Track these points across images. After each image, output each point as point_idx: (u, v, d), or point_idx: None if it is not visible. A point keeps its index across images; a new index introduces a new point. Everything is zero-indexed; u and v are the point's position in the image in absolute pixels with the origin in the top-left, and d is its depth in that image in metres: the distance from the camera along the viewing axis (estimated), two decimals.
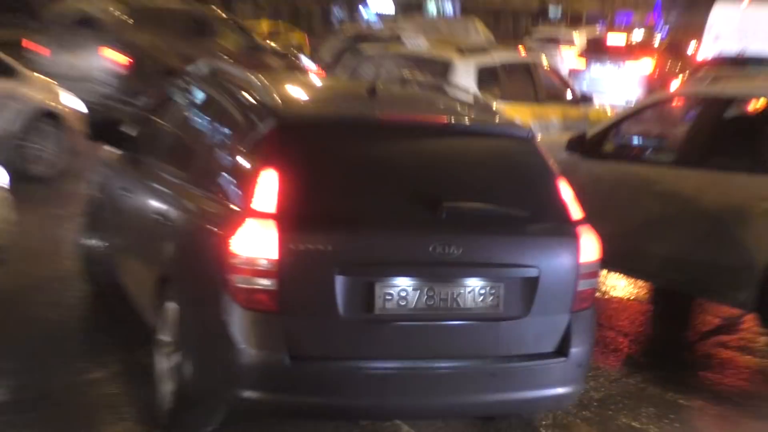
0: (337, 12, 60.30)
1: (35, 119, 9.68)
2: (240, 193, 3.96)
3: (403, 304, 3.83)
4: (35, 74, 10.24)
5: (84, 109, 10.33)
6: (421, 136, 4.32)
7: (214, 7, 18.57)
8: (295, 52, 16.86)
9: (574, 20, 61.38)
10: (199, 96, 5.24)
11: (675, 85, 16.05)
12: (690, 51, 24.55)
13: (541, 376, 4.13)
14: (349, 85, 6.77)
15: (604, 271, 7.21)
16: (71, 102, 10.22)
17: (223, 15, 17.60)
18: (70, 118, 9.93)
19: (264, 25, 24.94)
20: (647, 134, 7.54)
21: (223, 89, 4.90)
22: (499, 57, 10.76)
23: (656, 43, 25.57)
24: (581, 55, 22.75)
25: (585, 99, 11.46)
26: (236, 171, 4.13)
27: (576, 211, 4.22)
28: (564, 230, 4.15)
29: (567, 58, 24.36)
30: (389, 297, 3.81)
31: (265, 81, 4.55)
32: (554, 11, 70.54)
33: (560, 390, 4.18)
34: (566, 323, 4.10)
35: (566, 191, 4.27)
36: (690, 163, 6.21)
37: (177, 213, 4.56)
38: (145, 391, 4.53)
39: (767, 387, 5.51)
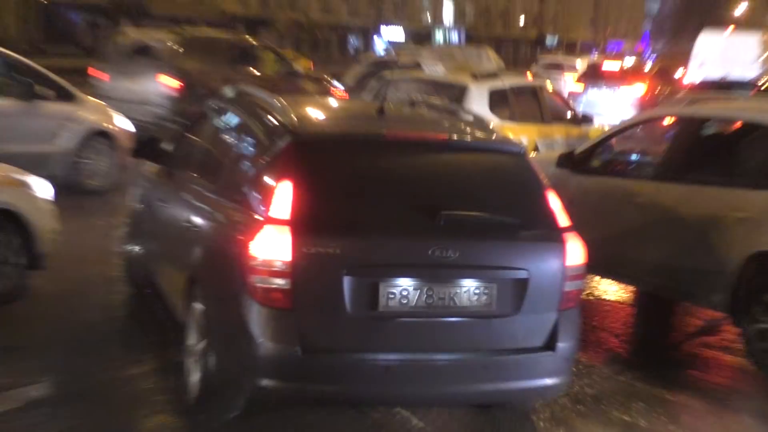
0: (353, 41, 60.48)
1: (90, 138, 9.78)
2: (259, 202, 3.96)
3: (404, 302, 3.83)
4: (91, 98, 10.33)
5: (132, 128, 10.40)
6: (423, 151, 4.32)
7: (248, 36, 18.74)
8: (328, 77, 16.90)
9: (569, 48, 61.37)
10: (226, 116, 5.26)
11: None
12: (678, 76, 24.40)
13: (531, 368, 4.11)
14: (360, 105, 6.79)
15: (597, 277, 7.22)
16: (122, 122, 10.31)
17: (264, 44, 17.75)
18: (120, 137, 10.01)
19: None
20: (631, 151, 7.49)
21: (246, 110, 4.93)
22: (508, 81, 10.74)
23: (647, 68, 25.37)
24: (579, 80, 22.64)
25: (585, 119, 11.43)
26: (256, 182, 4.13)
27: (563, 219, 4.20)
28: (552, 236, 4.13)
29: (568, 82, 24.25)
30: (392, 296, 3.81)
31: (284, 102, 4.56)
32: (551, 40, 70.56)
33: (548, 381, 4.16)
34: (554, 321, 4.08)
35: (554, 201, 4.25)
36: (669, 177, 6.18)
37: (204, 220, 4.58)
38: (177, 385, 4.52)
39: (747, 384, 5.45)
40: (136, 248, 6.06)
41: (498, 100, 10.25)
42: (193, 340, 4.39)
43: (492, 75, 10.77)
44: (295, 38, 51.34)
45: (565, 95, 15.96)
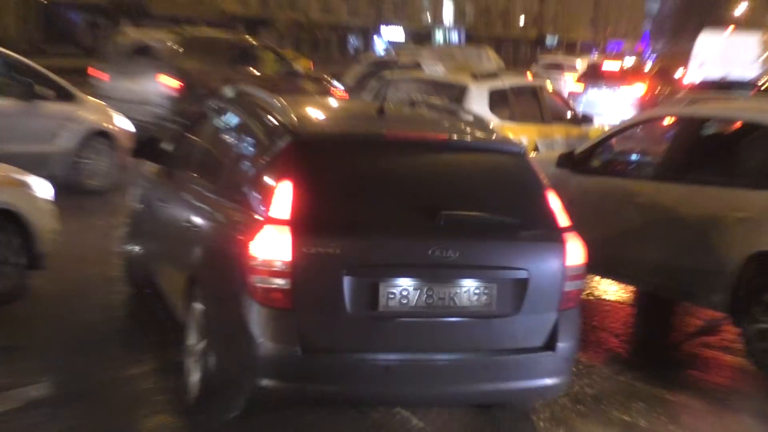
0: (353, 41, 60.51)
1: (90, 138, 9.80)
2: (259, 202, 3.97)
3: (404, 302, 3.83)
4: (91, 98, 10.35)
5: (132, 128, 10.42)
6: (423, 151, 4.32)
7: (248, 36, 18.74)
8: (328, 77, 16.92)
9: (569, 48, 61.37)
10: (226, 116, 5.27)
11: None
12: (678, 76, 24.43)
13: (531, 368, 4.11)
14: (360, 105, 6.78)
15: (597, 277, 7.22)
16: (122, 122, 10.32)
17: (265, 44, 17.75)
18: (120, 137, 10.02)
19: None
20: (630, 151, 7.50)
21: (246, 110, 4.94)
22: (508, 81, 10.76)
23: (647, 68, 25.37)
24: (579, 80, 22.65)
25: (586, 119, 11.44)
26: (256, 182, 4.13)
27: (563, 219, 4.20)
28: (552, 236, 4.13)
29: (568, 82, 24.26)
30: (392, 296, 3.82)
31: (284, 102, 4.56)
32: (551, 40, 70.62)
33: (548, 381, 4.16)
34: (554, 321, 4.08)
35: (554, 201, 4.25)
36: (669, 177, 6.19)
37: (204, 220, 4.58)
38: (177, 385, 4.52)
39: (747, 384, 5.46)
40: (136, 248, 6.07)
41: (498, 100, 10.26)
42: (193, 340, 4.39)
43: (492, 75, 10.80)
44: (295, 38, 51.35)
45: (565, 95, 15.97)
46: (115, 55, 15.24)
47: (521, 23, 75.86)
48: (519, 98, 10.63)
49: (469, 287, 3.92)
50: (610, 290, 7.30)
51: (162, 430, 4.27)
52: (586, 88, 21.16)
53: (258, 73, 14.95)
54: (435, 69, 10.80)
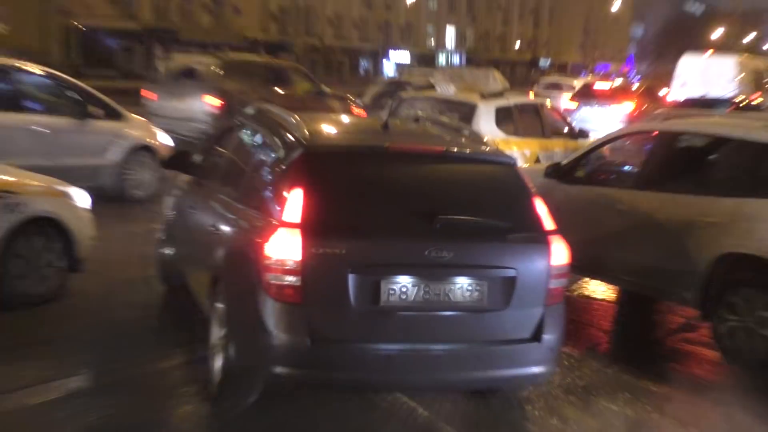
0: (364, 63, 60.61)
1: (135, 152, 9.92)
2: (274, 207, 3.98)
3: (403, 297, 3.85)
4: (135, 116, 10.46)
5: (171, 143, 10.55)
6: (422, 161, 4.31)
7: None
8: (351, 96, 17.05)
9: (561, 69, 61.26)
10: (247, 131, 5.27)
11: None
12: (662, 94, 24.36)
13: (519, 357, 4.12)
14: (368, 121, 6.78)
15: (586, 279, 7.20)
16: (162, 138, 10.46)
17: (296, 67, 17.85)
18: (161, 150, 10.10)
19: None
20: (612, 162, 7.49)
21: (265, 125, 4.93)
22: (513, 100, 10.77)
23: (635, 88, 25.32)
24: (573, 98, 22.58)
25: (582, 134, 11.42)
26: (272, 190, 4.15)
27: (549, 223, 4.20)
28: (538, 238, 4.12)
29: (564, 100, 24.23)
30: (392, 292, 3.84)
31: (298, 118, 4.57)
32: (544, 62, 70.58)
33: (535, 369, 4.16)
34: (540, 315, 4.09)
35: (541, 207, 4.24)
36: (646, 186, 6.19)
37: (226, 225, 4.60)
38: (204, 377, 4.51)
39: (722, 376, 5.43)
40: (170, 251, 6.09)
41: (503, 117, 10.29)
42: (216, 333, 4.40)
43: (498, 94, 10.83)
44: (310, 61, 51.43)
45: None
46: (163, 78, 15.55)
47: (517, 47, 75.75)
48: (522, 115, 10.65)
49: (462, 284, 3.93)
50: (599, 290, 7.27)
51: (190, 418, 4.28)
52: (579, 106, 21.09)
53: (290, 93, 15.06)
54: (447, 89, 10.86)
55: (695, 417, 4.73)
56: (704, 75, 22.99)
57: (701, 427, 4.60)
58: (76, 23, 43.48)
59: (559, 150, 10.53)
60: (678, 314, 6.57)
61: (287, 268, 3.74)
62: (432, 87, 11.41)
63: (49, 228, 5.86)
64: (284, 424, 4.22)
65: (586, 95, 22.29)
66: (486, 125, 9.86)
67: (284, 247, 3.76)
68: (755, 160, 5.77)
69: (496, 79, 22.75)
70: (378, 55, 62.05)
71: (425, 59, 60.77)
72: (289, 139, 4.34)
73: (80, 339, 5.29)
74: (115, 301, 6.11)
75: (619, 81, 28.22)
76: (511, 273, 4.01)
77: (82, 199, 6.25)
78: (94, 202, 6.40)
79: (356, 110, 15.64)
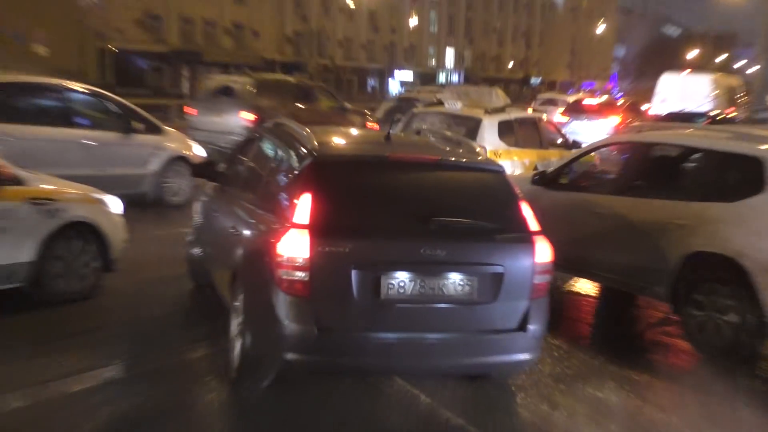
0: (371, 81, 60.69)
1: (172, 162, 10.03)
2: (285, 210, 4.00)
3: (402, 291, 3.88)
4: (172, 129, 10.58)
5: (205, 154, 10.64)
6: (419, 169, 4.32)
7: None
8: (368, 112, 17.11)
9: (550, 86, 61.19)
10: (265, 142, 5.28)
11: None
12: (645, 109, 24.35)
13: (506, 345, 4.13)
14: (374, 134, 6.80)
15: (575, 277, 7.15)
16: (197, 149, 10.57)
17: (321, 85, 17.97)
18: (195, 160, 10.14)
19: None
20: (592, 170, 7.48)
21: (280, 137, 4.94)
22: (513, 115, 10.78)
23: (620, 103, 25.31)
24: (564, 113, 22.60)
25: (575, 145, 11.41)
26: (284, 195, 4.18)
27: (533, 225, 4.20)
28: (524, 238, 4.13)
29: (557, 115, 24.22)
30: (391, 286, 3.86)
31: (309, 131, 4.58)
32: (535, 80, 70.58)
33: (521, 356, 4.18)
34: (526, 307, 4.10)
35: (527, 210, 4.25)
36: (623, 191, 6.21)
37: (244, 227, 4.63)
38: (225, 366, 4.53)
39: (698, 365, 5.43)
40: (198, 251, 6.11)
41: (505, 130, 10.32)
42: (236, 325, 4.43)
43: (500, 109, 10.84)
44: (322, 79, 51.63)
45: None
46: (203, 95, 15.70)
47: (510, 66, 75.74)
48: (522, 128, 10.68)
49: (455, 279, 3.95)
50: (585, 288, 7.25)
51: (212, 404, 4.31)
52: (570, 120, 21.12)
53: (315, 109, 15.20)
54: (454, 104, 10.89)
55: (674, 403, 4.74)
56: (682, 92, 23.04)
57: (679, 412, 4.59)
58: (110, 46, 43.68)
59: (555, 159, 10.54)
60: (658, 309, 6.55)
61: (297, 264, 3.77)
62: (439, 103, 11.46)
63: (85, 232, 5.92)
64: (298, 410, 4.23)
65: (576, 110, 22.27)
66: (490, 137, 9.96)
67: (294, 246, 3.79)
68: (719, 168, 5.80)
69: (498, 96, 22.74)
70: (384, 74, 62.13)
71: (427, 78, 60.83)
72: (301, 149, 4.36)
73: (114, 332, 5.32)
74: (147, 298, 6.12)
75: (604, 97, 28.15)
76: (499, 269, 4.03)
77: (115, 205, 6.30)
78: (136, 208, 6.45)
79: (369, 124, 15.78)
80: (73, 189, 6.05)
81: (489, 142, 9.77)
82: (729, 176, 5.72)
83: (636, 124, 15.96)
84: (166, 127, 10.33)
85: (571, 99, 27.48)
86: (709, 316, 5.45)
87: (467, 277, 3.97)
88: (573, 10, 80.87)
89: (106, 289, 6.11)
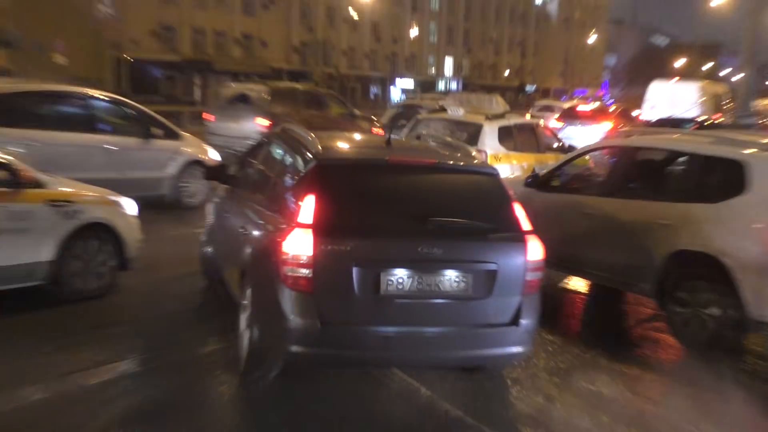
0: (374, 89, 60.74)
1: (189, 166, 10.04)
2: (290, 211, 4.02)
3: (400, 287, 3.89)
4: (189, 135, 10.59)
5: (219, 158, 10.66)
6: (417, 172, 4.33)
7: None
8: (375, 118, 17.12)
9: (544, 94, 61.22)
10: (273, 146, 5.29)
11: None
12: (635, 115, 24.33)
13: (500, 339, 4.14)
14: (375, 138, 6.83)
15: (569, 275, 7.11)
16: (212, 153, 10.60)
17: (331, 93, 17.98)
18: (211, 164, 10.24)
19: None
20: (582, 173, 7.43)
21: (286, 142, 4.95)
22: (513, 120, 10.81)
23: (612, 110, 25.28)
24: (558, 119, 22.58)
25: (571, 149, 11.43)
26: (289, 196, 4.19)
27: (526, 225, 4.22)
28: (516, 237, 4.15)
29: (552, 120, 24.20)
30: (390, 282, 3.88)
31: (314, 136, 4.58)
32: (530, 87, 70.59)
33: (514, 349, 4.19)
34: (518, 302, 4.11)
35: (519, 211, 4.26)
36: (611, 193, 6.22)
37: (252, 226, 4.64)
38: (235, 361, 4.53)
39: (688, 360, 5.41)
40: (210, 250, 6.12)
41: (505, 135, 10.36)
42: (244, 319, 4.44)
43: (500, 116, 10.88)
44: (327, 87, 51.62)
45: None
46: (220, 102, 15.74)
47: (506, 74, 75.74)
48: (521, 133, 10.72)
49: (450, 276, 3.96)
50: (578, 285, 7.24)
51: (222, 397, 4.31)
52: (564, 125, 21.11)
53: (326, 115, 15.25)
54: (457, 111, 10.93)
55: (662, 395, 4.76)
56: (671, 98, 22.94)
57: (667, 403, 4.60)
58: (125, 55, 43.81)
59: (552, 163, 10.58)
60: (646, 306, 6.53)
61: (301, 262, 3.79)
62: (442, 110, 11.50)
63: (102, 232, 5.94)
64: (304, 403, 4.24)
65: (570, 116, 22.25)
66: (490, 142, 10.02)
67: (298, 245, 3.81)
68: (703, 170, 5.80)
69: (498, 103, 22.78)
70: (386, 82, 62.19)
71: (427, 86, 60.85)
72: (306, 153, 4.37)
73: (129, 328, 5.32)
74: (161, 296, 6.12)
75: (596, 104, 28.14)
76: (492, 267, 4.04)
77: (130, 207, 6.32)
78: (153, 210, 6.44)
79: (376, 130, 15.84)
80: (90, 191, 6.07)
81: (489, 146, 9.86)
82: (712, 178, 5.74)
83: (626, 129, 15.94)
84: (183, 133, 10.37)
85: (566, 105, 27.51)
86: (692, 311, 5.47)
87: (462, 274, 3.98)
88: (566, 21, 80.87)
89: (122, 287, 6.11)
